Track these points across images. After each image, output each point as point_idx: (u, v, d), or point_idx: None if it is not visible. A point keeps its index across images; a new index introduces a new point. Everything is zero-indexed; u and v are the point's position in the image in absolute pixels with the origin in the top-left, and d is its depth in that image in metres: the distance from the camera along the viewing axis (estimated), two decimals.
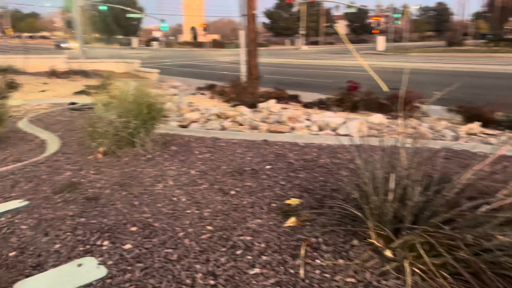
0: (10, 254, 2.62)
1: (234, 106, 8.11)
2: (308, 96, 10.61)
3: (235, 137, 5.35)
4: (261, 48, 57.68)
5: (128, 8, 55.16)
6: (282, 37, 79.82)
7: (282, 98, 10.08)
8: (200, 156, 4.58)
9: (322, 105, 9.05)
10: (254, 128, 5.72)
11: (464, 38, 56.46)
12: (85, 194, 3.59)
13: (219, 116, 6.42)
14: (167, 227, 2.90)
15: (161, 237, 2.77)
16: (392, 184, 2.42)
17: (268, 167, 4.14)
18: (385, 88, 11.41)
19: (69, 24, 26.61)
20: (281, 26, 79.44)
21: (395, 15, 51.67)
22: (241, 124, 5.91)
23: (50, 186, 3.81)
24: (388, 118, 6.90)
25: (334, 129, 5.40)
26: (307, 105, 9.41)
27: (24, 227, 2.99)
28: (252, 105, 7.94)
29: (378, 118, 5.87)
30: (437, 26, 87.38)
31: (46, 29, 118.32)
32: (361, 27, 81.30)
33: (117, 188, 3.71)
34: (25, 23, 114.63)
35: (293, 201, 3.23)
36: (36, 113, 7.80)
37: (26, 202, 3.39)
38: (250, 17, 13.46)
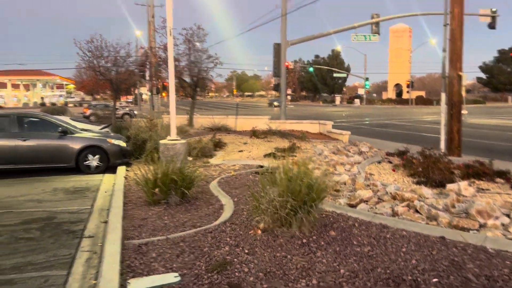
0: None
1: (417, 183, 7.23)
2: None
3: (406, 228, 4.67)
4: (474, 105, 51.84)
5: (334, 69, 58.19)
6: (503, 92, 70.24)
7: (484, 174, 8.52)
8: (358, 249, 4.12)
9: None
10: (432, 218, 4.90)
11: None
12: (231, 278, 3.62)
13: (394, 197, 5.79)
14: None
15: None
16: None
17: (434, 280, 3.39)
18: None
19: (276, 87, 29.56)
20: (502, 81, 70.14)
21: None
22: (417, 211, 5.16)
23: (206, 261, 4.00)
24: None
25: None
26: None
27: None
28: (440, 184, 6.92)
29: None
30: None
31: (264, 89, 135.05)
32: None
33: (261, 276, 3.62)
34: (248, 84, 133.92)
35: None
36: (227, 174, 8.66)
37: (179, 278, 3.61)
38: (453, 78, 12.24)
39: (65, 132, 9.87)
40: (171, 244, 4.47)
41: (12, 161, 9.42)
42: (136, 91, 52.26)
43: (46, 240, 5.15)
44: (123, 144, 10.53)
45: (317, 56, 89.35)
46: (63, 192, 7.92)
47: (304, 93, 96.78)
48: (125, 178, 8.57)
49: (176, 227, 5.15)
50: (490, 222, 4.62)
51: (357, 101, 72.82)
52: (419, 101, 64.48)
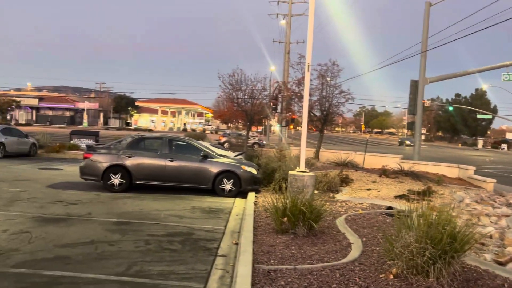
0: None
1: None
2: None
3: None
4: None
5: (478, 109, 52.95)
6: None
7: None
8: None
9: None
10: None
11: None
12: None
13: None
14: None
15: None
16: None
17: None
18: None
19: (410, 125, 28.14)
20: None
21: None
22: None
23: None
24: None
25: None
26: None
27: None
28: None
29: None
30: None
31: (394, 126, 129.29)
32: None
33: None
34: (377, 120, 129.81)
35: None
36: (354, 211, 8.45)
37: None
38: None
39: (206, 157, 10.83)
40: (298, 275, 4.51)
41: (161, 179, 10.65)
42: (266, 123, 54.77)
43: (186, 253, 5.67)
44: (254, 171, 11.10)
45: (458, 95, 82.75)
46: (200, 211, 8.65)
47: (440, 134, 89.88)
48: (255, 204, 8.98)
49: (303, 258, 5.18)
50: None
51: (504, 146, 64.78)
52: None
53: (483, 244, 5.90)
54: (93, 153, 10.75)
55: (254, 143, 34.71)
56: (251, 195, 10.12)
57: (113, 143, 11.41)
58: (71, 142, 22.97)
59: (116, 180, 10.39)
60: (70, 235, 6.27)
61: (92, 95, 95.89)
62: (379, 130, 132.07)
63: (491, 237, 6.32)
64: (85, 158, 10.82)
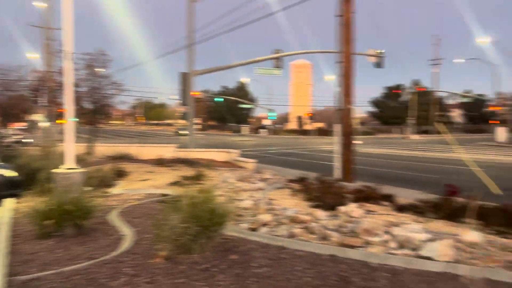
0: None
1: (314, 207, 7.75)
2: (408, 195, 9.69)
3: (302, 248, 4.98)
4: (366, 136, 56.93)
5: (241, 99, 59.99)
6: (390, 125, 78.20)
7: (372, 198, 9.39)
8: (257, 271, 4.28)
9: (416, 210, 8.18)
10: (324, 238, 5.29)
11: None
12: None
13: (292, 220, 6.14)
14: None
15: None
16: None
17: None
18: (495, 190, 10.02)
19: (185, 115, 29.54)
20: (389, 115, 78.26)
21: None
22: (312, 232, 5.53)
23: None
24: (491, 234, 5.88)
25: (414, 249, 4.70)
26: (400, 209, 8.57)
27: None
28: (333, 207, 7.49)
29: (472, 236, 4.99)
30: None
31: (171, 117, 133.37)
32: (479, 116, 76.07)
33: None
34: (154, 112, 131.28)
35: None
36: (129, 203, 8.37)
37: None
38: (346, 111, 13.45)
39: None
40: (63, 278, 4.19)
41: None
42: (32, 117, 48.24)
43: None
44: (11, 174, 9.62)
45: (225, 87, 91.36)
46: None
47: (213, 123, 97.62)
48: (15, 210, 7.83)
49: (70, 260, 4.84)
50: (374, 239, 5.13)
51: (263, 131, 75.46)
52: (320, 132, 68.90)
53: (241, 215, 6.76)
54: None
55: (16, 141, 30.11)
56: (9, 201, 8.77)
57: None
58: None
59: None
60: None
61: None
62: (157, 122, 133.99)
63: (248, 209, 7.29)
64: None
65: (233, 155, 18.46)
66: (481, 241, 4.96)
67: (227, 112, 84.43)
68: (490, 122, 53.89)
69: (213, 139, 49.41)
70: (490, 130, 49.94)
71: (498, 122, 46.71)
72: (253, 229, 5.92)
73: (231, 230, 5.66)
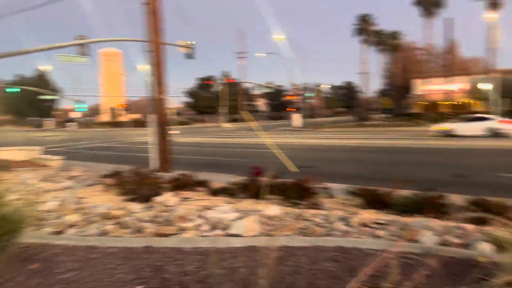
0: None
1: (129, 200, 7.50)
2: (221, 179, 10.25)
3: (115, 245, 4.75)
4: (182, 126, 58.07)
5: (42, 90, 53.18)
6: (204, 115, 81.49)
7: (188, 185, 9.63)
8: (62, 277, 3.90)
9: (228, 192, 8.75)
10: (138, 231, 5.18)
11: (370, 112, 61.86)
12: None
13: (104, 216, 5.79)
14: None
15: None
16: None
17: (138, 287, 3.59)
18: (292, 168, 11.53)
19: None
20: (203, 105, 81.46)
21: (307, 94, 55.89)
22: (126, 227, 5.34)
23: None
24: (289, 206, 6.74)
25: (224, 228, 5.04)
26: (215, 193, 9.03)
27: None
28: (149, 199, 7.39)
29: (273, 210, 5.66)
30: (347, 102, 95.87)
31: None
32: (280, 104, 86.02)
33: None
34: None
35: None
36: None
37: None
38: (159, 101, 13.38)
39: None
40: None
41: None
42: None
43: None
44: None
45: (21, 76, 79.57)
46: None
47: (7, 118, 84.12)
48: None
49: None
50: (188, 224, 5.27)
51: (72, 125, 68.98)
52: (136, 123, 66.89)
53: (44, 219, 6.03)
54: None
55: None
56: None
57: None
58: None
59: None
60: None
61: None
62: None
63: (52, 211, 6.55)
64: None
65: (35, 153, 16.33)
66: (280, 213, 5.63)
67: (25, 105, 73.97)
68: (287, 109, 61.63)
69: (10, 136, 42.67)
70: (289, 116, 57.13)
71: (294, 109, 53.90)
72: (59, 232, 5.36)
73: (30, 236, 4.99)
